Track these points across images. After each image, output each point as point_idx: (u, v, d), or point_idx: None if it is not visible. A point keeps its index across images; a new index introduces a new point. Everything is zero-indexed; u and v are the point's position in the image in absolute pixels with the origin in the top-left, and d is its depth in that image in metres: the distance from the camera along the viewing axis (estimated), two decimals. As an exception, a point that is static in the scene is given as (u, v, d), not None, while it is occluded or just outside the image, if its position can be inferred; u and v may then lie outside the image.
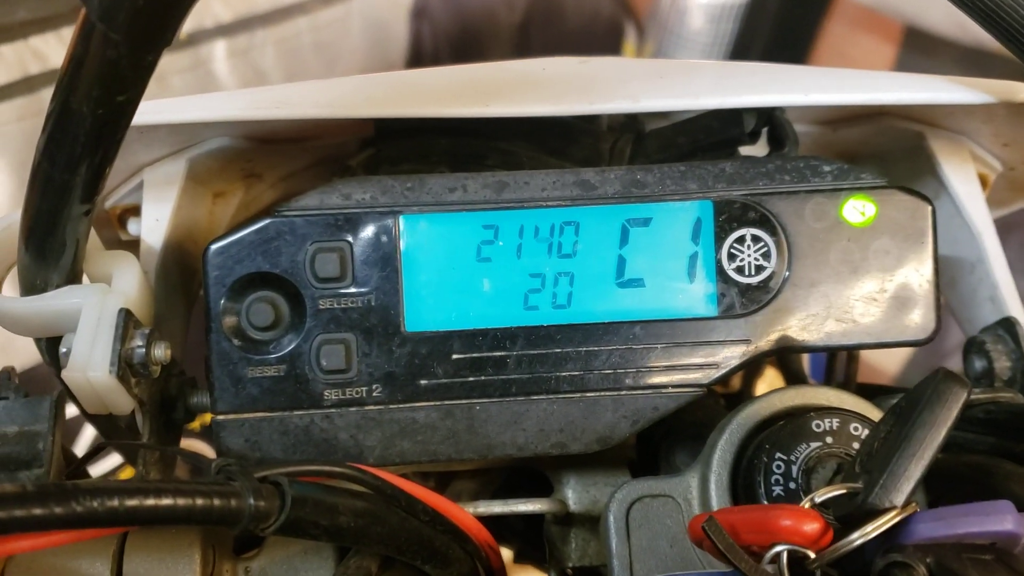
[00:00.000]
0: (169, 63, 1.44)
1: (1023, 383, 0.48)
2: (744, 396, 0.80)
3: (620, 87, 0.48)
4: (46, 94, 1.05)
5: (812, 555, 0.34)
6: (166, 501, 0.32)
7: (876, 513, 0.34)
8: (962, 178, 0.54)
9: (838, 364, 0.61)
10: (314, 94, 0.48)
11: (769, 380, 0.80)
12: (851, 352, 0.59)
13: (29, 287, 0.44)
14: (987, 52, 1.71)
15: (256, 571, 0.45)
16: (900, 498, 0.33)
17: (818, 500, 0.36)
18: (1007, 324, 0.49)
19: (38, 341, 0.50)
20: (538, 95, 0.47)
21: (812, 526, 0.33)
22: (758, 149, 0.56)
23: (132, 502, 0.31)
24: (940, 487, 0.43)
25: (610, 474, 0.52)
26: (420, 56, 1.97)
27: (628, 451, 0.54)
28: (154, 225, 0.51)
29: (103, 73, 0.33)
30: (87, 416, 0.51)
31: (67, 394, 0.48)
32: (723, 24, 1.99)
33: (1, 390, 0.48)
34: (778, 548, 0.34)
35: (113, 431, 0.54)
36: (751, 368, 0.76)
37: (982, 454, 0.45)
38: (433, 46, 2.00)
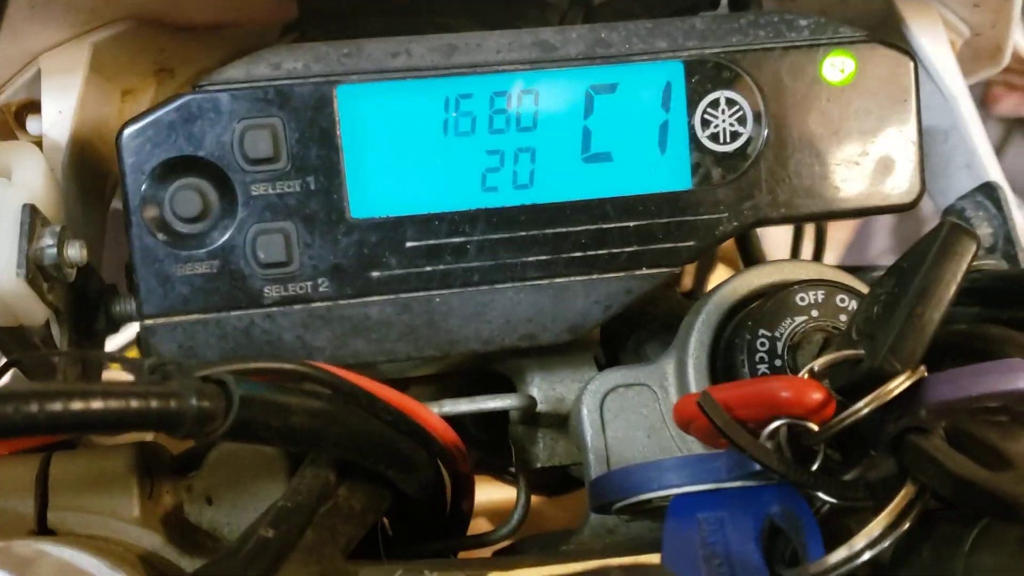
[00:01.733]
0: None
1: (1005, 250, 0.46)
2: (697, 292, 0.78)
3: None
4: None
5: (815, 428, 0.31)
6: (95, 404, 0.27)
7: (884, 378, 0.31)
8: (933, 41, 0.51)
9: (802, 244, 0.59)
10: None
11: (719, 275, 0.77)
12: (819, 226, 0.57)
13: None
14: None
15: (200, 490, 0.41)
16: (912, 360, 0.31)
17: (817, 370, 0.33)
18: (987, 189, 0.47)
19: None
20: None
21: (815, 395, 0.30)
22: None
23: (55, 406, 0.27)
24: (927, 360, 0.41)
25: (576, 370, 0.49)
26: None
27: (594, 347, 0.51)
28: (57, 118, 0.45)
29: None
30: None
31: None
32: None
33: None
34: (778, 422, 0.31)
35: (22, 349, 0.49)
36: (706, 260, 0.73)
37: (966, 324, 0.43)
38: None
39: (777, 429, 0.32)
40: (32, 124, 0.50)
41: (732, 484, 0.31)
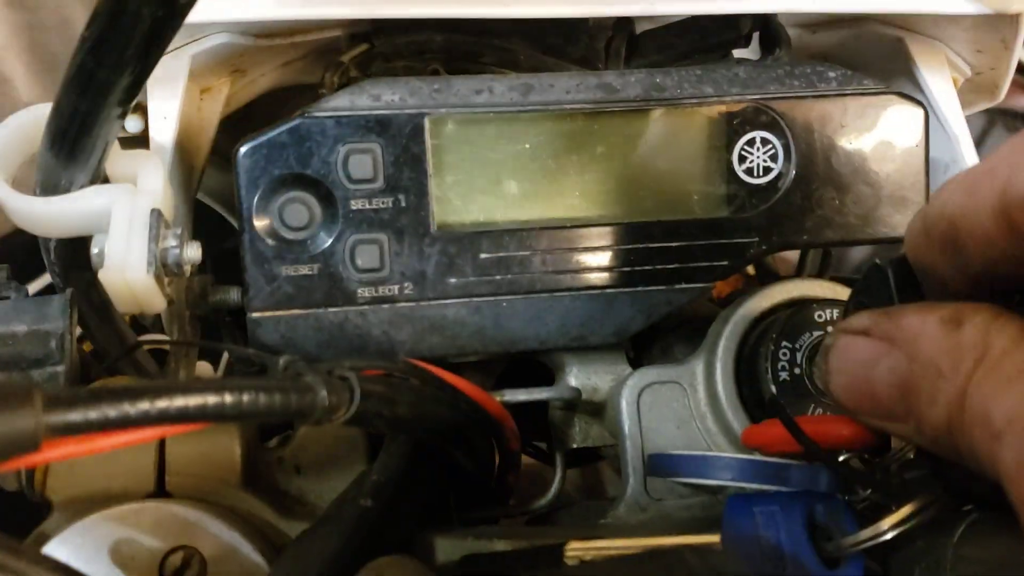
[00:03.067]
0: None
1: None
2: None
3: (634, -11, 0.49)
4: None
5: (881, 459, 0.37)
6: (248, 398, 0.33)
7: None
8: (938, 81, 0.57)
9: (809, 260, 0.65)
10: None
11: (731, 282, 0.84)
12: (826, 249, 0.63)
13: (51, 187, 0.44)
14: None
15: (289, 460, 0.47)
16: None
17: None
18: (980, 221, 0.53)
19: (46, 241, 0.50)
20: (556, -5, 0.48)
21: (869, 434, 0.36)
22: (749, 52, 0.58)
23: (217, 399, 0.33)
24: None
25: (610, 365, 0.55)
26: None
27: (625, 344, 0.57)
28: (163, 123, 0.50)
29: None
30: (84, 324, 0.51)
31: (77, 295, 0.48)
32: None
33: (0, 290, 0.48)
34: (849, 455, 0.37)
35: (113, 336, 0.54)
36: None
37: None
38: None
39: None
40: (130, 123, 0.55)
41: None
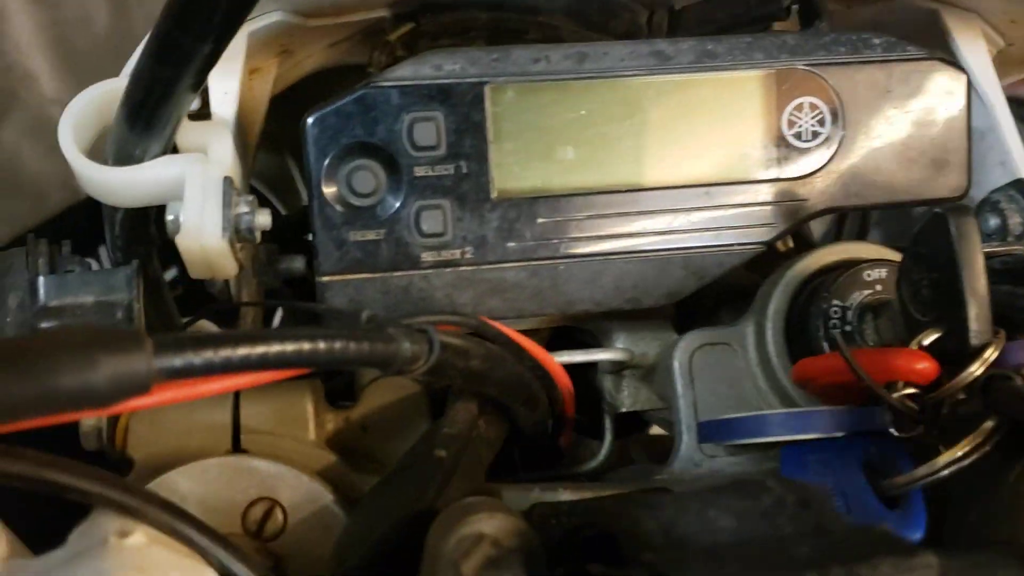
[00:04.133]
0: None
1: (1032, 237, 0.54)
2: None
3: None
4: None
5: (943, 391, 0.38)
6: (339, 345, 0.35)
7: (977, 347, 0.38)
8: (974, 52, 0.58)
9: (848, 225, 0.66)
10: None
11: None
12: (865, 214, 0.64)
13: (125, 157, 0.45)
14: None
15: (356, 419, 0.49)
16: (989, 328, 0.38)
17: (925, 343, 0.39)
18: (1019, 184, 0.54)
19: (112, 215, 0.51)
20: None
21: (925, 364, 0.38)
22: (788, 25, 0.59)
23: (312, 345, 0.34)
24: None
25: (656, 331, 0.56)
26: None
27: (669, 308, 0.58)
28: (224, 98, 0.52)
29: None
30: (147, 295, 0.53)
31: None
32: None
33: (64, 264, 0.50)
34: (911, 389, 0.38)
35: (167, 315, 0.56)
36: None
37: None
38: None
39: (910, 394, 0.39)
40: (189, 100, 0.57)
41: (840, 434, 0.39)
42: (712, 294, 0.59)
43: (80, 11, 1.14)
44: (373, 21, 0.63)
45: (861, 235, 0.64)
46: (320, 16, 0.59)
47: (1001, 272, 0.52)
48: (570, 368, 0.54)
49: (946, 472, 0.35)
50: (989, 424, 0.35)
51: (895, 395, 0.38)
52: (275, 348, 0.33)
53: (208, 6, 0.37)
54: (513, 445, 0.51)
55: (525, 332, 0.58)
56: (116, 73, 0.48)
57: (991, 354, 0.37)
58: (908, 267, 0.42)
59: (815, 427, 0.39)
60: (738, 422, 0.46)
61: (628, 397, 0.56)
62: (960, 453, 0.35)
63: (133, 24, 1.08)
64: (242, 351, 0.32)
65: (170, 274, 0.68)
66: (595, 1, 0.60)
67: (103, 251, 0.64)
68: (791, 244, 0.71)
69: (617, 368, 0.56)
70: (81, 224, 0.61)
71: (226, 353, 0.32)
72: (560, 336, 0.59)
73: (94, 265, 0.50)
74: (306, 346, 0.34)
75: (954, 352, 0.38)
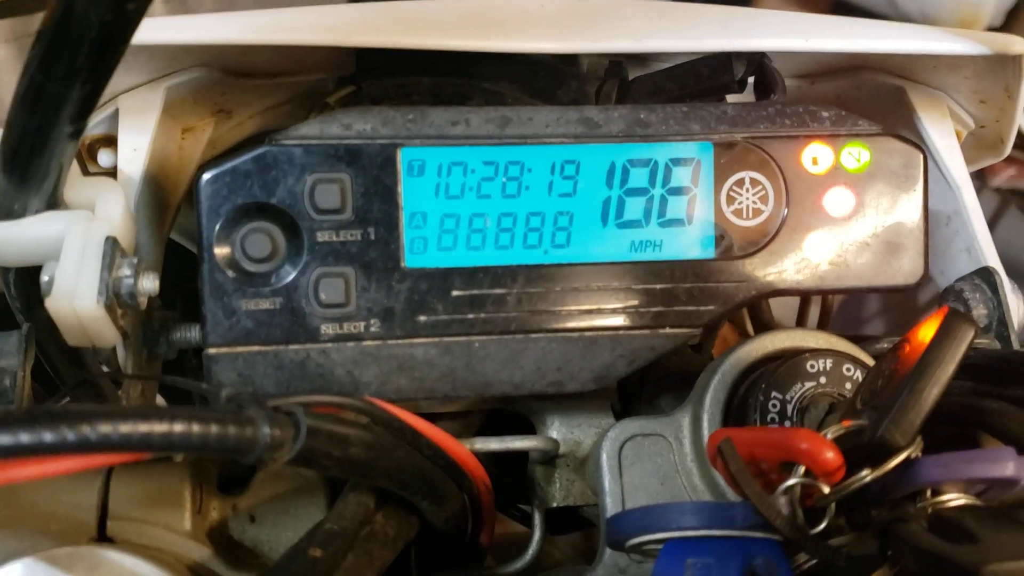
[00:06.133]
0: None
1: (999, 331, 0.50)
2: (706, 347, 0.82)
3: (621, 26, 0.47)
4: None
5: (826, 489, 0.34)
6: (180, 428, 0.31)
7: (884, 448, 0.34)
8: (940, 132, 0.55)
9: (809, 311, 0.62)
10: (310, 19, 0.46)
11: (725, 336, 0.81)
12: (825, 299, 0.61)
13: (4, 212, 0.42)
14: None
15: (245, 509, 0.44)
16: (910, 432, 0.34)
17: (831, 436, 0.36)
18: (985, 273, 0.51)
19: (4, 272, 0.48)
20: (540, 31, 0.46)
21: (830, 455, 0.34)
22: (744, 98, 0.56)
23: (146, 427, 0.30)
24: (926, 428, 0.45)
25: (593, 417, 0.52)
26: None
27: (611, 394, 0.54)
28: (132, 155, 0.49)
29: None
30: (48, 358, 0.49)
31: (36, 329, 0.46)
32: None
33: (-39, 324, 0.46)
34: (792, 481, 0.35)
35: (80, 374, 0.52)
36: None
37: (961, 397, 0.47)
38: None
39: (792, 487, 0.35)
40: (103, 157, 0.54)
41: (732, 533, 0.35)
42: (655, 378, 0.55)
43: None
44: (314, 83, 0.61)
45: (823, 320, 0.60)
46: (255, 76, 0.57)
47: (964, 367, 0.47)
48: (502, 456, 0.50)
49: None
50: (887, 571, 0.31)
51: (788, 483, 0.34)
52: (102, 428, 0.29)
53: (70, 48, 0.34)
54: (422, 543, 0.46)
55: (454, 414, 0.55)
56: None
57: (896, 462, 0.33)
58: (885, 356, 0.38)
59: (702, 522, 0.35)
60: (615, 520, 0.41)
61: (560, 490, 0.51)
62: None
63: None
64: (60, 431, 0.28)
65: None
66: (543, 68, 0.57)
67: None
68: (749, 327, 0.68)
69: (548, 457, 0.51)
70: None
71: (39, 433, 0.28)
72: (500, 418, 0.55)
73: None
74: (139, 428, 0.30)
75: (864, 448, 0.34)
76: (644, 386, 0.55)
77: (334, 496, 0.46)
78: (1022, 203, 1.85)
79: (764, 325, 0.67)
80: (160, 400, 0.58)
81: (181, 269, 0.56)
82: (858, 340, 0.54)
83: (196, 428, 0.31)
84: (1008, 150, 0.62)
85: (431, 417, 0.54)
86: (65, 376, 0.52)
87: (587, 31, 0.47)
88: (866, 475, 0.34)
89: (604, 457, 0.46)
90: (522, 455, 0.52)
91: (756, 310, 0.65)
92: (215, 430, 0.31)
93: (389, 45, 0.46)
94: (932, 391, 0.35)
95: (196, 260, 0.44)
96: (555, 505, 0.51)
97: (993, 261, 0.51)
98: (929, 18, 1.76)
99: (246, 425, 0.32)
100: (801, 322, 0.61)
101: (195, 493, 0.43)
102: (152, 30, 0.44)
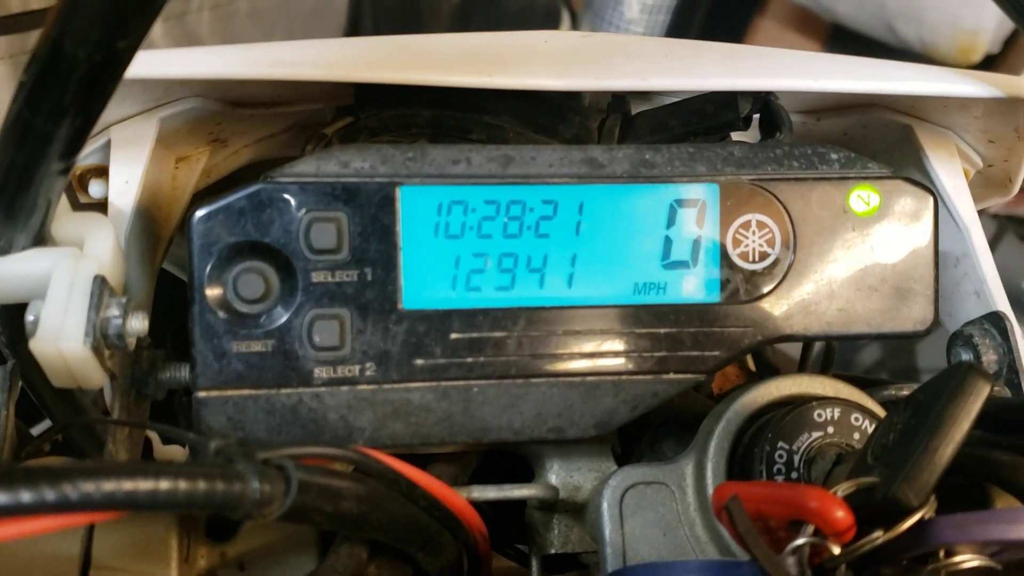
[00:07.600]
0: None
1: (1009, 378, 0.48)
2: (703, 387, 0.80)
3: (626, 64, 0.46)
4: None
5: (837, 550, 0.33)
6: (165, 485, 0.29)
7: (897, 508, 0.33)
8: (949, 172, 0.54)
9: (812, 356, 0.61)
10: (310, 54, 0.45)
11: (726, 372, 0.80)
12: (829, 343, 0.59)
13: (-11, 248, 0.41)
14: (913, 55, 1.75)
15: (233, 557, 0.43)
16: (924, 492, 0.33)
17: (841, 494, 0.35)
18: (994, 318, 0.49)
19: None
20: (543, 68, 0.45)
21: (840, 514, 0.33)
22: (749, 135, 0.55)
23: (130, 485, 0.29)
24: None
25: (594, 461, 0.51)
26: (358, 29, 1.92)
27: (611, 438, 0.53)
28: (123, 188, 0.48)
29: (106, 12, 0.30)
30: (37, 394, 0.48)
31: (21, 367, 0.45)
32: (656, 16, 2.00)
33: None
34: (801, 541, 0.33)
35: (69, 410, 0.51)
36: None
37: (970, 447, 0.46)
38: (373, 19, 1.96)
39: (801, 547, 0.34)
40: (95, 188, 0.52)
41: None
42: (658, 422, 0.53)
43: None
44: (311, 113, 0.60)
45: (825, 365, 0.59)
46: (252, 105, 0.56)
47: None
48: (499, 500, 0.49)
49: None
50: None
51: (797, 543, 0.32)
52: (84, 487, 0.28)
53: (58, 85, 0.32)
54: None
55: (450, 455, 0.53)
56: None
57: (908, 523, 0.32)
58: (897, 409, 0.37)
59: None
60: (642, 572, 0.40)
61: (558, 537, 0.50)
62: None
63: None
64: (39, 491, 0.27)
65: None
66: (544, 103, 0.56)
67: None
68: (750, 362, 0.66)
69: (547, 504, 0.50)
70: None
71: (15, 494, 0.27)
72: (496, 457, 0.54)
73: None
74: (123, 486, 0.28)
75: (876, 506, 0.32)
76: (645, 429, 0.53)
77: (326, 544, 0.44)
78: (1019, 229, 1.85)
79: (766, 362, 0.66)
80: (153, 435, 0.56)
81: (170, 301, 0.54)
82: (864, 383, 0.53)
83: (183, 485, 0.30)
84: (1016, 189, 0.61)
85: (427, 457, 0.53)
86: (54, 411, 0.51)
87: (591, 68, 0.46)
88: (878, 537, 0.33)
89: (605, 506, 0.45)
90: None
91: (761, 352, 0.63)
92: (202, 487, 0.30)
93: (392, 81, 0.45)
94: (947, 449, 0.34)
95: (187, 291, 0.42)
96: (553, 552, 0.50)
97: (1003, 305, 0.50)
98: (927, 44, 1.77)
99: (234, 481, 0.31)
100: (805, 356, 0.60)
101: (182, 541, 0.41)
102: (148, 64, 0.43)
